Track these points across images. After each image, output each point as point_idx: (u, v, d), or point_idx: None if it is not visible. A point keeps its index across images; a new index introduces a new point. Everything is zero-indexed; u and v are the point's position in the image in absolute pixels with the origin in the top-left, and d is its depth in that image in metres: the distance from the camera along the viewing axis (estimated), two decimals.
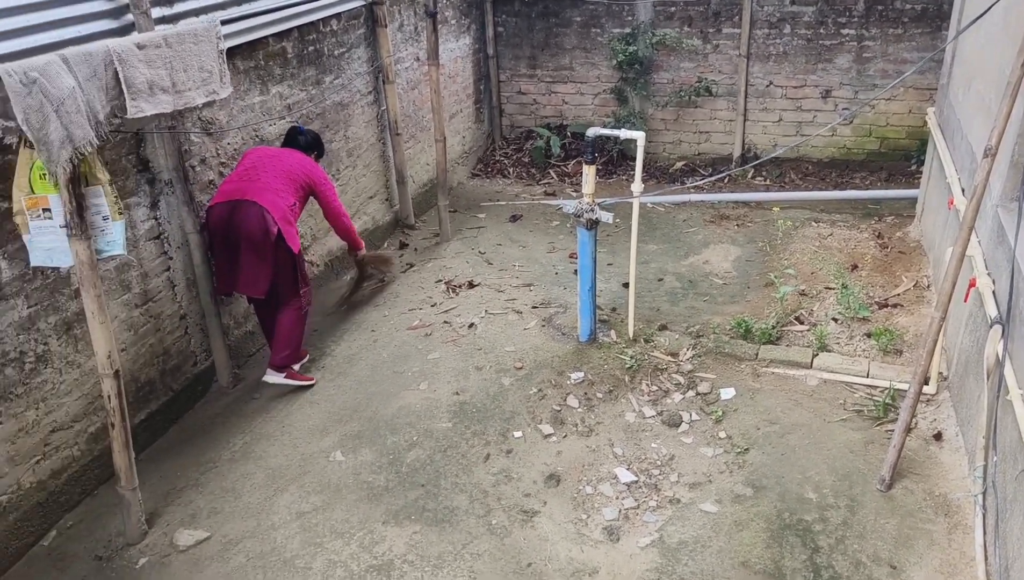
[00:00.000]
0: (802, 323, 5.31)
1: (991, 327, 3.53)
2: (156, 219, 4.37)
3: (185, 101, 3.72)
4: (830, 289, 5.65)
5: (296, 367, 4.91)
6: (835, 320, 5.26)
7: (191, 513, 3.96)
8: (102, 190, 3.32)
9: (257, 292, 4.57)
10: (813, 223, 6.90)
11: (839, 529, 3.67)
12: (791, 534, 3.66)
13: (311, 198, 4.87)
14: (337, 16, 5.80)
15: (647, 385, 4.76)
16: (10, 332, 3.59)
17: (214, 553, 3.72)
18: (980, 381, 3.73)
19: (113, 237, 3.40)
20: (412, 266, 6.50)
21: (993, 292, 3.74)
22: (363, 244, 5.50)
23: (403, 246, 6.92)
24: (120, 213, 3.39)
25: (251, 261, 4.46)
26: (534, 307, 5.71)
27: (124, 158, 4.13)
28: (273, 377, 4.79)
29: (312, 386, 4.92)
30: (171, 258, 4.50)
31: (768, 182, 8.07)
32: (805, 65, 7.84)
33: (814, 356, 4.88)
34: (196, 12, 4.39)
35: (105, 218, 3.36)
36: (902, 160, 7.86)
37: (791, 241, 6.54)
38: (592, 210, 4.65)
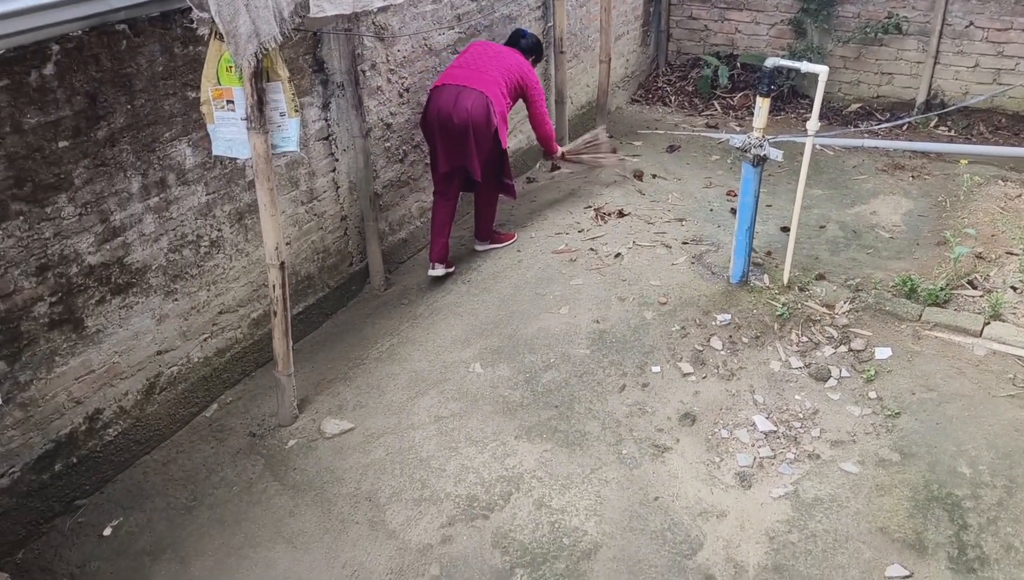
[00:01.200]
0: (975, 288, 4.92)
1: None
2: (326, 120, 4.51)
3: (364, 3, 3.75)
4: (1012, 254, 5.19)
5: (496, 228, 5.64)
6: (1014, 288, 4.85)
7: (338, 404, 4.18)
8: (281, 86, 3.43)
9: (475, 173, 4.90)
10: (1000, 181, 6.33)
11: (993, 509, 3.45)
12: (938, 507, 3.47)
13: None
14: None
15: (797, 335, 4.57)
16: (190, 216, 3.83)
17: (356, 444, 3.92)
18: None
19: (288, 133, 3.53)
20: (557, 170, 6.46)
21: None
22: (558, 148, 5.63)
23: (554, 168, 6.86)
24: (296, 111, 3.50)
25: (472, 146, 4.78)
26: (684, 243, 5.56)
27: (301, 58, 4.25)
28: (481, 245, 5.57)
29: (514, 241, 5.64)
30: (337, 160, 4.64)
31: (953, 133, 7.43)
32: (1015, 5, 7.05)
33: (985, 324, 4.53)
34: None
35: (282, 114, 3.49)
36: None
37: (972, 199, 6.03)
38: (761, 145, 4.43)
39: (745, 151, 4.50)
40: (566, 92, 6.79)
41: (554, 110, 6.87)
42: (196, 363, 4.06)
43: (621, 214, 6.00)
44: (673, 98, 8.36)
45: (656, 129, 7.69)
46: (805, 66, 4.28)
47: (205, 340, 4.09)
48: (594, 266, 5.31)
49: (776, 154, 4.38)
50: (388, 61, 4.84)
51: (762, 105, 4.37)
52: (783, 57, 7.86)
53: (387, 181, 5.09)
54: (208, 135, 3.55)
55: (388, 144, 5.02)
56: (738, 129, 7.56)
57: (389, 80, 4.88)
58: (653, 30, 8.50)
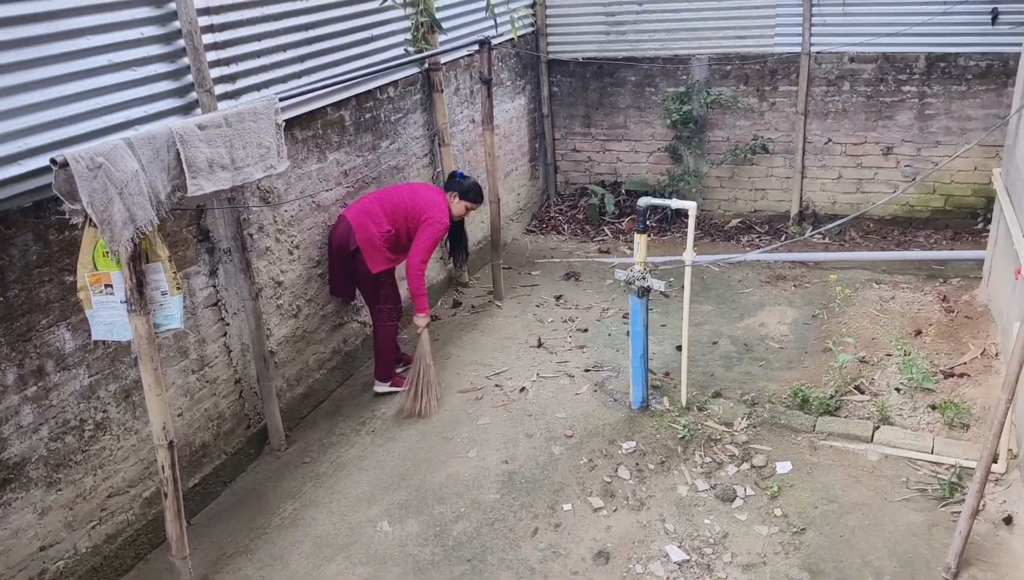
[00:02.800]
0: (862, 393, 5.14)
1: None
2: (214, 286, 4.48)
3: (244, 177, 3.83)
4: (892, 356, 5.48)
5: (400, 370, 5.70)
6: (898, 390, 5.09)
7: None
8: (162, 266, 3.42)
9: (346, 296, 5.50)
10: (874, 285, 6.73)
11: None
12: None
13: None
14: (394, 83, 5.93)
15: (700, 456, 4.66)
16: (71, 401, 3.70)
17: None
18: None
19: (171, 311, 3.50)
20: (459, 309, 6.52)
21: None
22: (428, 310, 5.32)
23: (456, 305, 6.96)
24: (178, 288, 3.48)
25: (339, 268, 5.24)
26: (586, 370, 5.66)
27: (185, 229, 4.25)
28: (380, 387, 5.55)
29: None
30: (228, 324, 4.59)
31: (827, 240, 7.91)
32: (865, 122, 7.72)
33: (875, 429, 4.72)
34: (258, 87, 4.54)
35: (164, 293, 3.46)
36: (968, 218, 7.64)
37: (850, 304, 6.37)
38: (644, 278, 4.62)
39: (630, 284, 4.67)
40: None
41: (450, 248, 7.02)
42: (84, 554, 3.83)
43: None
44: (566, 226, 8.66)
45: (552, 257, 7.92)
46: (675, 203, 4.54)
47: (93, 528, 3.87)
48: (500, 403, 5.34)
49: (659, 285, 4.57)
50: (276, 222, 4.89)
51: (640, 241, 4.58)
52: (663, 181, 8.36)
53: (281, 338, 5.04)
54: (87, 318, 3.48)
55: (281, 301, 5.01)
56: (628, 252, 7.86)
57: (278, 240, 4.91)
58: (541, 164, 8.89)
